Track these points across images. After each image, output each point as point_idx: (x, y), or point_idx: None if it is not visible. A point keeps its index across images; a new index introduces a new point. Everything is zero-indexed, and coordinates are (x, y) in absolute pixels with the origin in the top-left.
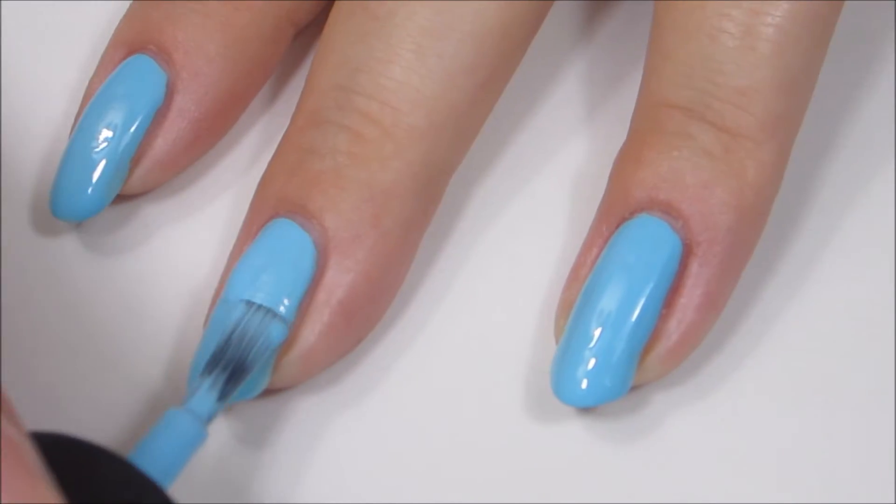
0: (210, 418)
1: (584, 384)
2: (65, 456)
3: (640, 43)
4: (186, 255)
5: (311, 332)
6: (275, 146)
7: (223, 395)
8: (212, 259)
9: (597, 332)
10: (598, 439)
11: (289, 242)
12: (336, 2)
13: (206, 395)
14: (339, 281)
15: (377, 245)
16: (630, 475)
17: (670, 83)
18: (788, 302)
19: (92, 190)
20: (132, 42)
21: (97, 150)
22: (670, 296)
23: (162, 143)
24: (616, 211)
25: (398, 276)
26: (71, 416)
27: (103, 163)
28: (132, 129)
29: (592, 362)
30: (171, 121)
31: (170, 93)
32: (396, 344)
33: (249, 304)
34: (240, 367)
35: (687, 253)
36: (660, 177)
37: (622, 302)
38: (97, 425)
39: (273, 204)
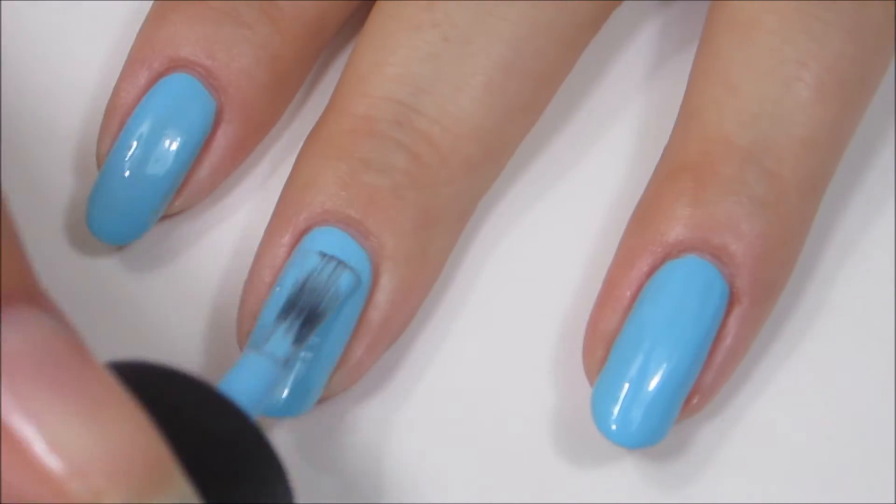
0: (286, 361)
1: (632, 427)
2: (153, 383)
3: (675, 61)
4: (202, 265)
5: (359, 349)
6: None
7: (298, 339)
8: (225, 269)
9: (646, 376)
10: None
11: (346, 258)
12: (392, 6)
13: (282, 338)
14: (388, 300)
15: (423, 268)
16: (631, 474)
17: (734, 120)
18: (787, 302)
19: (142, 218)
20: (173, 58)
21: (148, 177)
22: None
23: (204, 171)
24: (663, 245)
25: (428, 293)
26: None
27: (155, 192)
28: (185, 159)
29: (643, 407)
30: (214, 150)
31: (216, 121)
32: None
33: (322, 255)
34: (314, 313)
35: (731, 301)
36: (716, 220)
37: (676, 349)
38: None
39: (320, 212)
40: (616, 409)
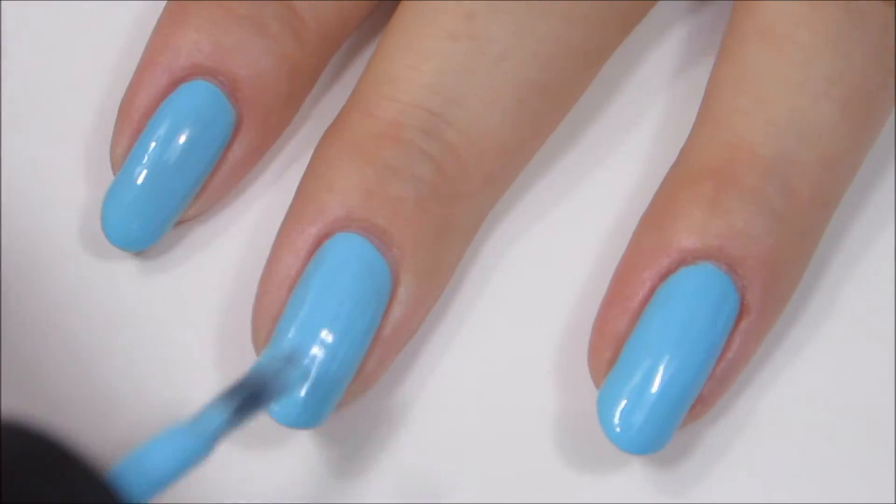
0: (215, 436)
1: (637, 432)
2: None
3: (683, 69)
4: (214, 267)
5: (374, 361)
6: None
7: (234, 418)
8: (237, 271)
9: (656, 382)
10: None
11: (368, 267)
12: (428, 10)
13: (214, 411)
14: (403, 312)
15: (439, 281)
16: (632, 474)
17: (762, 131)
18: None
19: (158, 225)
20: (197, 64)
21: (168, 185)
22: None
23: (219, 179)
24: (679, 249)
25: (437, 301)
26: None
27: (174, 200)
28: (204, 168)
29: (647, 412)
30: (231, 158)
31: (235, 131)
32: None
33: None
34: (256, 398)
35: (740, 313)
36: (734, 230)
37: (687, 356)
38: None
39: (343, 217)
40: (621, 413)
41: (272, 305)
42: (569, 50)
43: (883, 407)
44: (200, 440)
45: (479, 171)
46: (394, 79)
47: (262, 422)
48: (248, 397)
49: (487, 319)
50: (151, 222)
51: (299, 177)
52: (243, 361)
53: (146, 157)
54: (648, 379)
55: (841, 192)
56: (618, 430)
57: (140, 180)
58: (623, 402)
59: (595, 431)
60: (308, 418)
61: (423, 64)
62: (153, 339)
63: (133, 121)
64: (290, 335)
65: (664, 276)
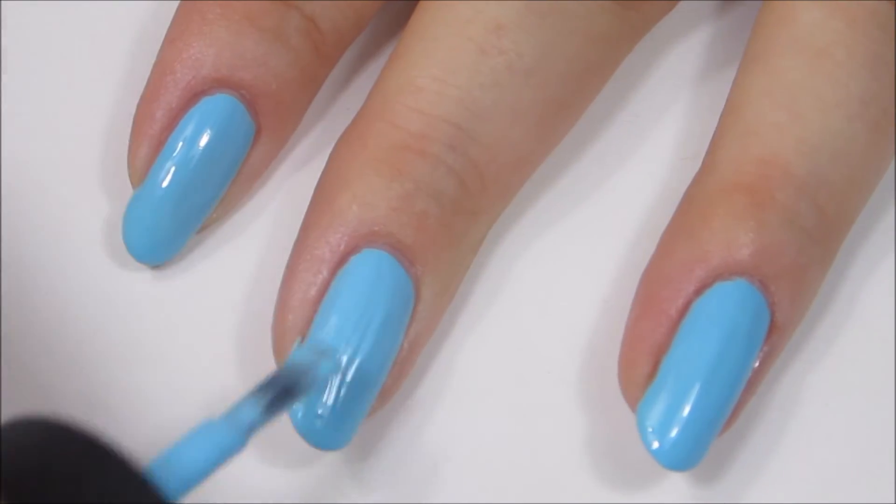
0: (249, 430)
1: (675, 447)
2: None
3: (699, 80)
4: (228, 274)
5: (392, 378)
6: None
7: (268, 412)
8: (252, 279)
9: (697, 399)
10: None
11: (396, 283)
12: (456, 19)
13: (249, 405)
14: (422, 327)
15: (451, 294)
16: (634, 474)
17: (795, 149)
18: None
19: (180, 238)
20: (219, 77)
21: (191, 201)
22: None
23: (237, 187)
24: (714, 264)
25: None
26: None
27: (196, 215)
28: (224, 182)
29: (687, 428)
30: (247, 169)
31: (253, 143)
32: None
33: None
34: (289, 392)
35: (771, 329)
36: (770, 248)
37: (726, 374)
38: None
39: (367, 232)
40: (661, 427)
41: (298, 321)
42: (588, 67)
43: (883, 407)
44: (236, 434)
45: (496, 185)
46: (420, 89)
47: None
48: (281, 391)
49: (497, 327)
50: (173, 236)
51: (311, 177)
52: (261, 365)
53: (169, 172)
54: (690, 395)
55: (861, 210)
56: (655, 444)
57: (163, 195)
58: (665, 417)
59: (606, 443)
60: (338, 439)
61: (450, 77)
62: (168, 347)
63: (153, 132)
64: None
65: (699, 290)
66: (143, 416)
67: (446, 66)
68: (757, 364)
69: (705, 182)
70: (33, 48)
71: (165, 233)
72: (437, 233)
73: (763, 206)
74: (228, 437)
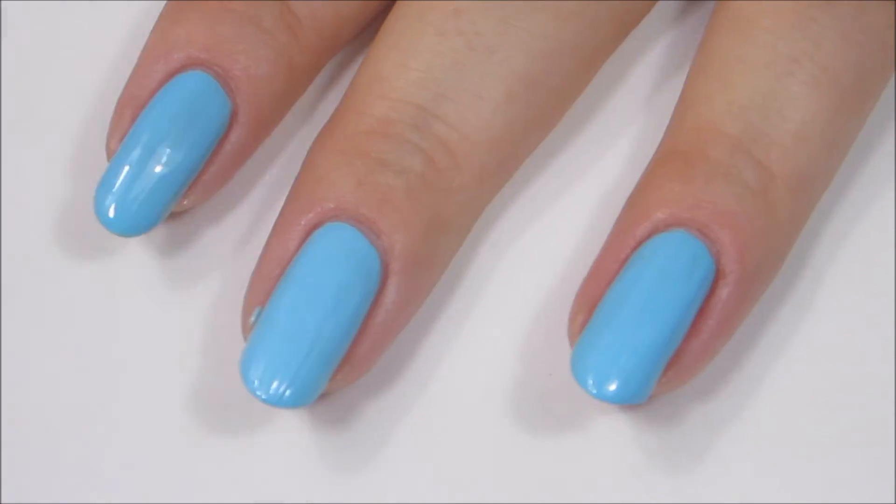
0: None
1: (614, 380)
2: None
3: (676, 73)
4: (207, 262)
5: (364, 346)
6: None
7: None
8: (231, 265)
9: (632, 333)
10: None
11: (356, 255)
12: (416, 10)
13: None
14: (395, 301)
15: (430, 272)
16: (635, 474)
17: (725, 112)
18: (787, 303)
19: (152, 208)
20: (192, 56)
21: (162, 170)
22: (696, 317)
23: (213, 171)
24: (651, 219)
25: (429, 295)
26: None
27: (168, 186)
28: (199, 157)
29: (622, 360)
30: (225, 151)
31: (230, 123)
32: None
33: None
34: None
35: (717, 278)
36: (703, 198)
37: (663, 309)
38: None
39: (332, 208)
40: (595, 364)
41: (260, 293)
42: (560, 45)
43: (883, 406)
44: None
45: (471, 165)
46: (384, 77)
47: (251, 409)
48: None
49: (484, 317)
50: (145, 205)
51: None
52: (234, 353)
53: (139, 141)
54: (621, 328)
55: (818, 170)
56: (590, 380)
57: (133, 162)
58: (595, 353)
59: (606, 439)
60: (296, 396)
61: (411, 61)
62: (147, 337)
63: (129, 113)
64: (278, 317)
65: (637, 247)
66: (115, 412)
67: (407, 52)
68: (715, 312)
69: (651, 160)
70: (33, 48)
71: (135, 200)
72: (406, 206)
73: (696, 163)
74: None
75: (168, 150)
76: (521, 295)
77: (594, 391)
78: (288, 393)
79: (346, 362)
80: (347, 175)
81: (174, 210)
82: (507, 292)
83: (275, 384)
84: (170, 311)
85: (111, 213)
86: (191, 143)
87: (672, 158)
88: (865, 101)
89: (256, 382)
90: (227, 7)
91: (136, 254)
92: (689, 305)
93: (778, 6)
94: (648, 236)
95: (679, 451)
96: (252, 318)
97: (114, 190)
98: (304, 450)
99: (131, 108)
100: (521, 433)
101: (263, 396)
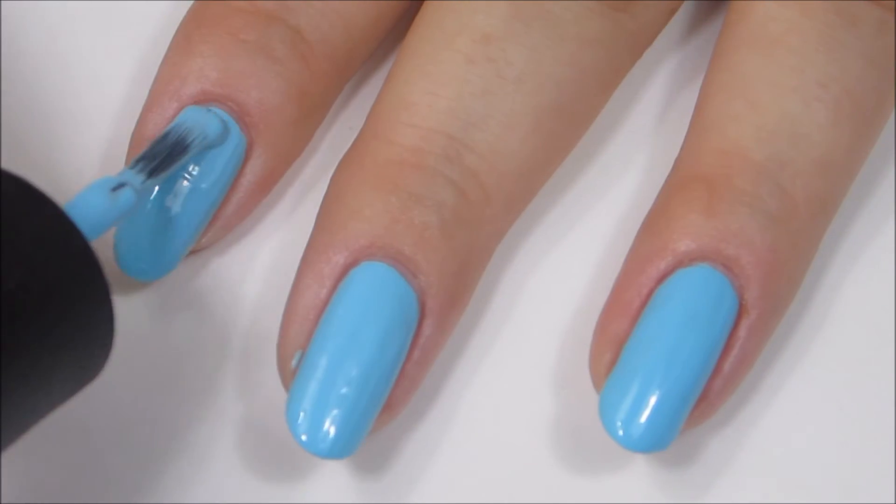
0: (139, 188)
1: (641, 431)
2: None
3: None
4: (230, 299)
5: (401, 390)
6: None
7: (154, 172)
8: (255, 303)
9: (659, 380)
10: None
11: (397, 296)
12: (443, 35)
13: (136, 173)
14: (431, 343)
15: (461, 306)
16: (636, 475)
17: (753, 136)
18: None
19: (173, 254)
20: (206, 91)
21: (181, 213)
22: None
23: (232, 207)
24: (675, 253)
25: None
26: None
27: (188, 228)
28: (217, 195)
29: (651, 410)
30: (242, 186)
31: (245, 158)
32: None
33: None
34: (172, 154)
35: (740, 312)
36: (729, 231)
37: (687, 354)
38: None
39: (367, 245)
40: (624, 412)
41: (299, 335)
42: (582, 72)
43: (883, 407)
44: (130, 189)
45: (500, 195)
46: (412, 104)
47: (287, 448)
48: (171, 146)
49: (495, 330)
50: (166, 251)
51: (316, 206)
52: (266, 388)
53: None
54: (648, 378)
55: (838, 195)
56: (620, 432)
57: (152, 209)
58: (625, 401)
59: (600, 439)
60: (340, 449)
61: (441, 89)
62: (172, 372)
63: (142, 143)
64: (321, 365)
65: (661, 280)
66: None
67: (436, 79)
68: (737, 348)
69: (669, 181)
70: (33, 48)
71: (155, 245)
72: (441, 244)
73: (720, 192)
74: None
75: (185, 194)
76: (539, 320)
77: (625, 442)
78: (337, 447)
79: (385, 406)
80: (383, 213)
81: (195, 248)
82: (526, 317)
83: (322, 435)
84: (194, 346)
85: (129, 259)
86: (209, 184)
87: (694, 185)
88: (882, 123)
89: (305, 437)
90: (236, 38)
91: (159, 288)
92: (715, 347)
93: (802, 26)
94: (672, 270)
95: (680, 453)
96: (294, 363)
97: (132, 235)
98: (335, 491)
99: (147, 142)
100: (552, 466)
101: (312, 449)
